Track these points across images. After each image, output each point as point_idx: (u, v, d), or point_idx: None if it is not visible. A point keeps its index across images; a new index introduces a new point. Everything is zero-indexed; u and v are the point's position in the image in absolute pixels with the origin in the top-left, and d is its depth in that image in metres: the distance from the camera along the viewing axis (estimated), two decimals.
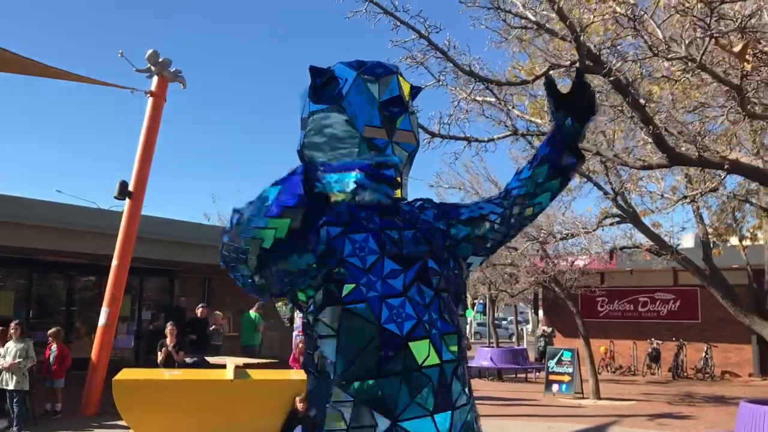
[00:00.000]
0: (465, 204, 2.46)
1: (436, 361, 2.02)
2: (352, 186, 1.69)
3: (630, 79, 4.04)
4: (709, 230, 9.91)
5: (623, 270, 19.69)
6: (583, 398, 14.16)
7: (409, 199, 2.36)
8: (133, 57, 13.06)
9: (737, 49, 3.53)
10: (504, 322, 45.48)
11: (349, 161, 1.78)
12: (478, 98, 4.99)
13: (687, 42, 3.74)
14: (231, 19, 75.45)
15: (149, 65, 12.27)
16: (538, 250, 12.78)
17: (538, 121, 5.27)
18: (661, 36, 3.86)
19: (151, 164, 12.43)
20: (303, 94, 2.31)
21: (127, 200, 11.97)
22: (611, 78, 3.81)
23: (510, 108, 5.28)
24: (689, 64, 3.62)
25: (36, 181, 67.80)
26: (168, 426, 8.74)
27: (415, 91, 2.43)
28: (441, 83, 4.56)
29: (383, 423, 1.95)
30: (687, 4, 3.56)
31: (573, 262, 15.02)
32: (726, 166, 4.39)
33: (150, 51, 12.19)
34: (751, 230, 12.56)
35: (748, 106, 3.91)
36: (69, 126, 68.41)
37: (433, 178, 13.69)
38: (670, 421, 11.28)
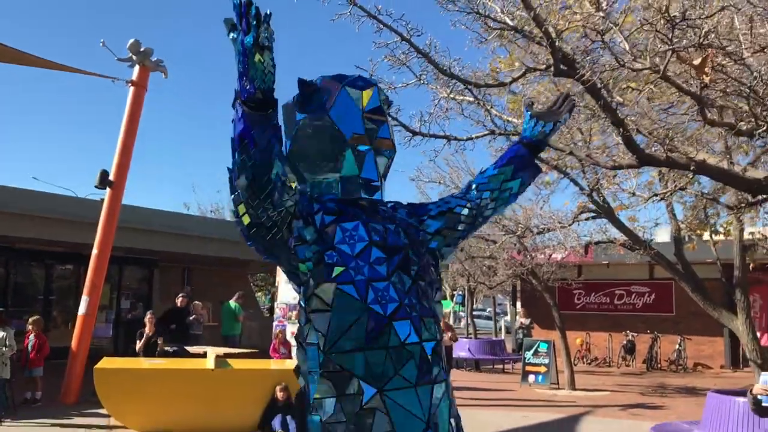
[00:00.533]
0: (432, 202, 2.71)
1: (416, 339, 2.23)
2: (237, 40, 1.92)
3: (603, 82, 4.20)
4: (683, 225, 10.15)
5: (600, 263, 19.99)
6: (558, 389, 14.42)
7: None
8: (115, 47, 12.96)
9: (697, 62, 3.74)
10: (485, 313, 45.85)
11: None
12: (457, 97, 5.13)
13: (652, 54, 3.93)
14: (213, 11, 74.83)
15: (131, 55, 12.24)
16: (515, 244, 12.97)
17: (515, 121, 5.43)
18: (627, 48, 4.05)
19: (132, 154, 12.41)
20: (286, 104, 2.50)
21: (108, 189, 11.95)
22: (584, 82, 3.98)
23: (488, 107, 5.42)
24: (653, 75, 3.82)
25: (11, 169, 66.95)
26: (149, 414, 8.81)
27: (389, 102, 2.61)
28: (422, 82, 4.69)
29: (369, 391, 2.15)
30: (652, 20, 3.76)
31: (550, 256, 15.25)
32: (692, 167, 4.59)
33: (131, 40, 12.15)
34: (725, 226, 12.87)
35: (708, 114, 4.10)
36: (46, 114, 67.61)
37: (414, 172, 13.81)
38: (643, 411, 11.55)
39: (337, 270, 2.23)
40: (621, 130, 4.37)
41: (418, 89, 4.69)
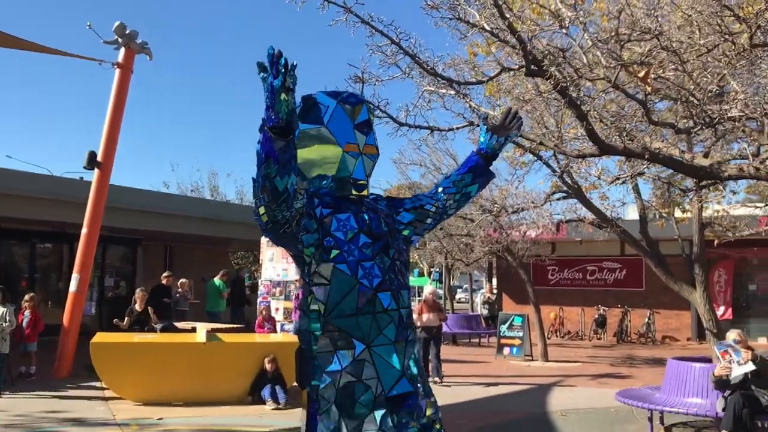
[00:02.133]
0: (407, 198, 3.33)
1: (395, 307, 2.86)
2: (267, 80, 2.40)
3: (567, 83, 4.69)
4: (648, 205, 10.71)
5: (573, 240, 20.66)
6: (532, 361, 15.07)
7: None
8: (102, 29, 13.18)
9: (641, 75, 4.29)
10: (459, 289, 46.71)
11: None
12: (441, 91, 5.62)
13: (605, 67, 4.48)
14: None
15: (116, 37, 12.45)
16: (492, 222, 13.49)
17: (491, 113, 5.91)
18: (585, 61, 4.58)
19: (119, 135, 12.68)
20: None
21: (96, 170, 12.24)
22: (552, 81, 4.49)
23: (468, 101, 5.91)
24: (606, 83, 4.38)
25: None
26: (143, 385, 9.23)
27: (373, 111, 3.22)
28: (408, 76, 5.15)
29: (359, 346, 2.77)
30: (605, 38, 4.33)
31: (525, 233, 15.79)
32: (646, 156, 5.13)
33: (117, 23, 12.36)
34: (690, 204, 13.50)
35: (652, 116, 4.66)
36: (24, 93, 66.68)
37: (396, 154, 14.29)
38: (611, 380, 12.21)
39: (334, 252, 2.81)
40: (584, 123, 4.89)
41: (404, 82, 5.16)
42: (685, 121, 5.05)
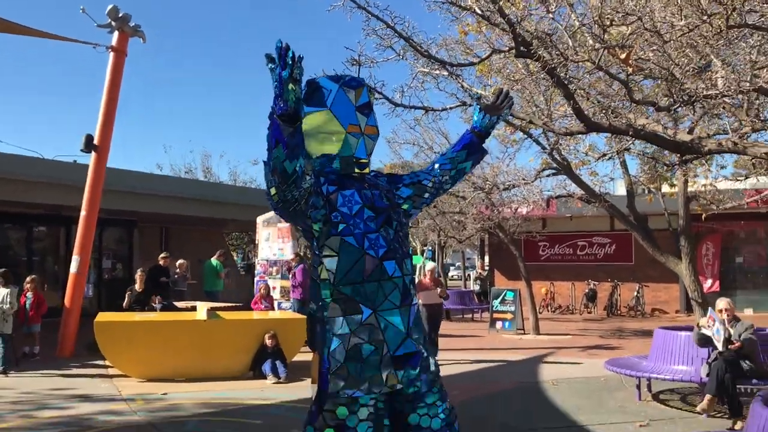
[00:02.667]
0: (406, 174, 3.55)
1: (399, 274, 3.08)
2: (275, 71, 2.60)
3: (555, 63, 4.90)
4: (636, 180, 10.97)
5: (563, 216, 20.98)
6: (524, 334, 15.42)
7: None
8: (95, 13, 13.18)
9: (622, 57, 4.51)
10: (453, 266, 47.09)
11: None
12: (434, 72, 5.83)
13: (590, 49, 4.69)
14: None
15: (110, 20, 12.54)
16: (484, 199, 13.74)
17: (483, 92, 6.13)
18: (571, 44, 4.79)
19: (115, 118, 12.81)
20: None
21: (93, 153, 12.39)
22: (541, 64, 4.71)
23: (460, 81, 6.13)
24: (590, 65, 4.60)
25: None
26: (147, 363, 9.49)
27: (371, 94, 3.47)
28: (403, 58, 5.35)
29: (366, 311, 3.00)
30: (588, 23, 4.53)
31: (516, 210, 16.07)
32: (630, 132, 5.37)
33: (110, 6, 12.44)
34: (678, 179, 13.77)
35: (635, 95, 4.89)
36: (14, 78, 66.19)
37: (390, 134, 14.53)
38: (600, 351, 12.54)
39: (341, 227, 3.04)
40: (571, 102, 5.12)
41: (399, 64, 5.37)
42: (666, 99, 5.28)
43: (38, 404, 7.99)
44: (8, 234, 18.91)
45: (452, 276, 46.16)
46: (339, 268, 3.03)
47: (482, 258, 26.40)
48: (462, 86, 6.05)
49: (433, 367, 3.19)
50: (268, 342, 9.73)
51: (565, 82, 5.13)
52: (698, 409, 7.14)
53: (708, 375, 7.12)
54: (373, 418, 2.97)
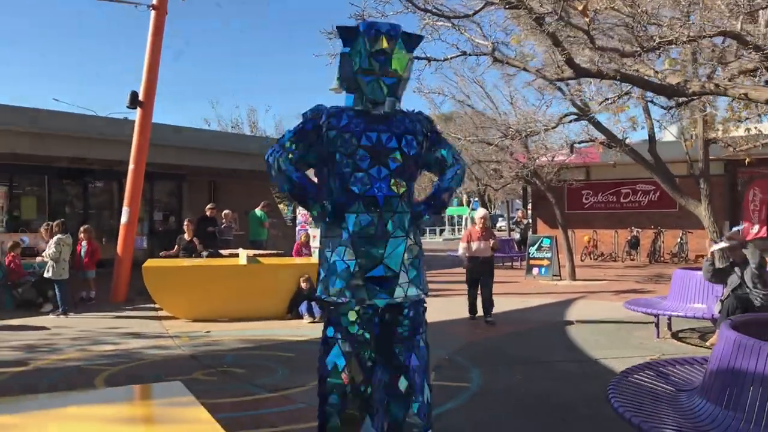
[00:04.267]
0: (447, 145, 4.00)
1: (378, 209, 3.57)
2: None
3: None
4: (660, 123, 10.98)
5: (606, 164, 20.83)
6: (560, 280, 15.66)
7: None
8: None
9: (580, 8, 4.73)
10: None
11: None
12: (438, 23, 6.11)
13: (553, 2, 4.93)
14: None
15: None
16: (508, 146, 13.75)
17: (482, 41, 6.37)
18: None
19: (158, 74, 13.35)
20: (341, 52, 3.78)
21: (138, 109, 12.99)
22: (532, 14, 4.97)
23: (461, 32, 6.39)
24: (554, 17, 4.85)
25: (32, 87, 68.04)
26: (191, 304, 10.16)
27: (417, 40, 3.83)
28: (409, 10, 5.65)
29: (344, 235, 3.58)
30: None
31: (553, 157, 16.12)
32: (618, 77, 5.56)
33: None
34: (722, 122, 13.64)
35: (597, 42, 5.10)
36: (59, 35, 67.98)
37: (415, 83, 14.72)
38: (632, 295, 12.65)
39: (336, 165, 3.60)
40: (560, 49, 5.33)
41: (405, 17, 5.66)
42: (628, 47, 5.45)
43: (93, 340, 8.72)
44: (67, 189, 19.85)
45: (500, 227, 46.23)
46: (331, 199, 3.61)
47: (525, 206, 26.46)
48: (471, 38, 6.30)
49: (413, 292, 3.64)
50: (303, 285, 10.28)
51: (553, 31, 5.35)
52: (708, 344, 7.38)
53: (720, 312, 7.33)
54: (359, 321, 3.57)
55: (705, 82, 5.31)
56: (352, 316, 3.56)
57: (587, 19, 4.94)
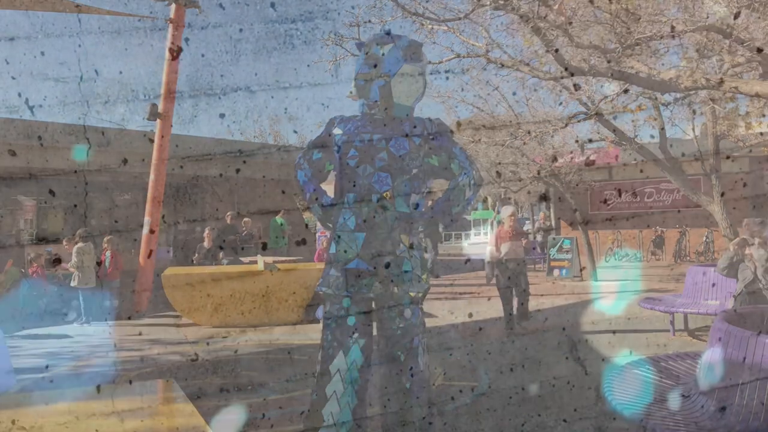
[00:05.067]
0: (461, 153, 4.04)
1: (357, 204, 3.78)
2: None
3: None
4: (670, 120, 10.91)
5: (629, 164, 20.67)
6: (581, 280, 15.57)
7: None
8: None
9: (556, 7, 4.80)
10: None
11: None
12: (432, 26, 6.21)
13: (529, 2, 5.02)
14: None
15: None
16: (519, 147, 13.68)
17: (477, 43, 6.45)
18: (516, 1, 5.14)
19: (176, 87, 13.60)
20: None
21: (158, 121, 13.23)
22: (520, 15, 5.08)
23: (457, 34, 6.49)
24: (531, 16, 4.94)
25: (59, 104, 69.25)
26: (210, 310, 10.33)
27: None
28: (403, 16, 5.76)
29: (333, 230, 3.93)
30: None
31: (572, 159, 16.04)
32: (611, 74, 5.58)
33: None
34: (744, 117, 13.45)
35: (575, 39, 5.16)
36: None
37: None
38: (653, 294, 12.59)
39: (332, 165, 3.99)
40: (548, 47, 5.39)
41: (405, 22, 5.78)
42: (610, 43, 5.49)
43: (113, 347, 8.93)
44: (95, 202, 20.21)
45: (527, 231, 45.89)
46: (327, 196, 3.97)
47: (548, 208, 26.33)
48: (458, 35, 6.40)
49: (404, 290, 3.72)
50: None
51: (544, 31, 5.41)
52: None
53: (734, 307, 7.26)
54: (353, 310, 3.79)
55: (697, 76, 5.31)
56: (345, 303, 3.80)
57: (563, 18, 5.00)
